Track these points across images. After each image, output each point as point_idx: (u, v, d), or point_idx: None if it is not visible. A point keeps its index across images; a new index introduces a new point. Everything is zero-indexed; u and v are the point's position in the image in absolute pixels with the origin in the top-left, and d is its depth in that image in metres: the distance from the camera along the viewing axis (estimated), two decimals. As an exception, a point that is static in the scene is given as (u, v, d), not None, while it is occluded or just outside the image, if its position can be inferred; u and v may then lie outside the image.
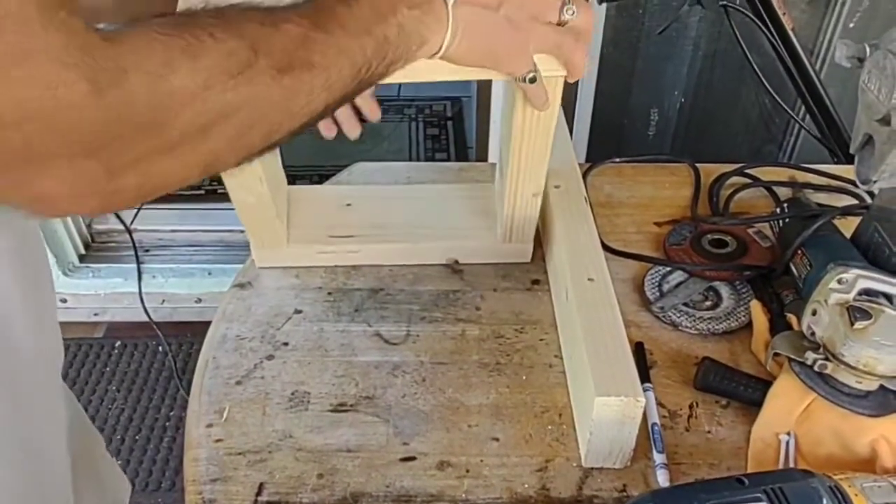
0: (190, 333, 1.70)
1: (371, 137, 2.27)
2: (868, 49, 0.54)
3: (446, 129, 2.33)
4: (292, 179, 0.77)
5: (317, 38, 0.40)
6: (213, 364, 0.66)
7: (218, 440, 0.59)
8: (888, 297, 0.57)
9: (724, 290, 0.71)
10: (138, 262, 1.72)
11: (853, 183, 0.79)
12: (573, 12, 0.51)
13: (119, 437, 1.51)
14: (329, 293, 0.73)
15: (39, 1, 0.29)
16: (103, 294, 1.71)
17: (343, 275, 0.75)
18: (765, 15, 0.91)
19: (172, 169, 0.36)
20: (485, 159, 1.53)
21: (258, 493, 0.55)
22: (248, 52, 0.36)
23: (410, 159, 2.20)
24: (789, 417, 0.57)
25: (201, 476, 0.56)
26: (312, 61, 0.40)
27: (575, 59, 0.53)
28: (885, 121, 0.51)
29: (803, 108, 1.06)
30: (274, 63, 0.37)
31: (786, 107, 1.00)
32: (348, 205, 0.76)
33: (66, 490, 0.54)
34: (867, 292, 0.57)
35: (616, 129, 1.55)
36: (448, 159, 2.19)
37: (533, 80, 0.53)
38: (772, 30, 0.91)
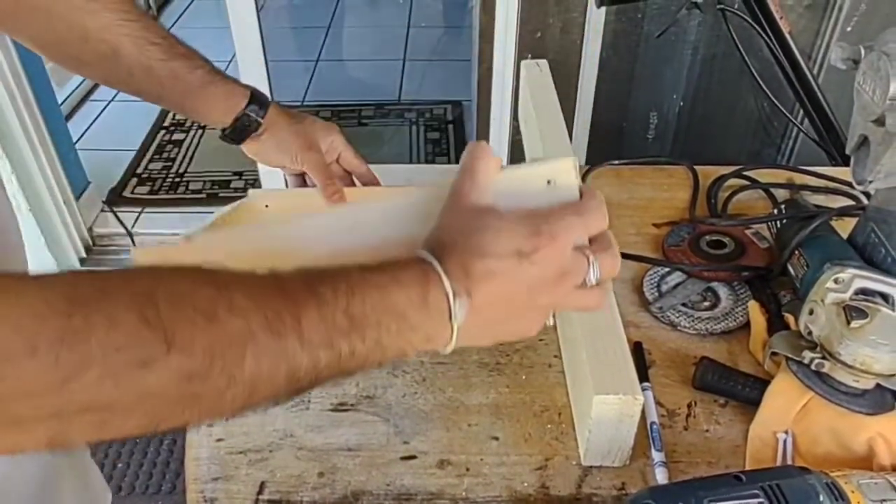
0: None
1: (372, 141, 2.28)
2: (863, 51, 0.54)
3: (447, 132, 2.34)
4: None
5: (259, 341, 0.33)
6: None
7: (219, 440, 0.59)
8: (884, 296, 0.57)
9: (723, 291, 0.71)
10: (139, 266, 1.72)
11: (850, 184, 0.79)
12: (597, 275, 0.42)
13: (118, 440, 1.51)
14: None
15: None
16: (104, 297, 1.71)
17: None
18: (762, 18, 0.92)
19: (14, 440, 0.31)
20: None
21: (259, 492, 0.55)
22: (155, 346, 0.30)
23: (411, 163, 2.21)
24: (787, 416, 0.58)
25: (203, 475, 0.56)
26: (239, 371, 0.33)
27: (594, 307, 0.45)
28: (880, 122, 0.51)
29: (801, 111, 1.06)
30: (188, 366, 0.31)
31: (783, 110, 1.01)
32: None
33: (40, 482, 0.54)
34: (863, 292, 0.58)
35: (616, 132, 1.56)
36: (449, 163, 2.20)
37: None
38: (769, 33, 0.92)
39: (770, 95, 1.00)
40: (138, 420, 0.32)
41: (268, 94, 1.48)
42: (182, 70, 0.64)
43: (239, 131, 0.69)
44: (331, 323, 0.35)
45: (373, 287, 0.37)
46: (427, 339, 0.39)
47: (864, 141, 0.55)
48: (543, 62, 0.93)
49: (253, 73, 1.53)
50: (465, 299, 0.39)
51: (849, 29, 1.39)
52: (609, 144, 1.54)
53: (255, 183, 1.91)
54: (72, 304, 0.29)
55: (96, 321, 0.30)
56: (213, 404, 0.33)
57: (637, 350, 0.66)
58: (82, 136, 2.29)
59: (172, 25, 2.92)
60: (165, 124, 2.35)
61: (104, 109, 2.42)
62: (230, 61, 1.69)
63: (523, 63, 0.95)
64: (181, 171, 2.14)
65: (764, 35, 0.91)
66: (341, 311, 0.36)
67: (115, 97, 2.46)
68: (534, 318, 0.43)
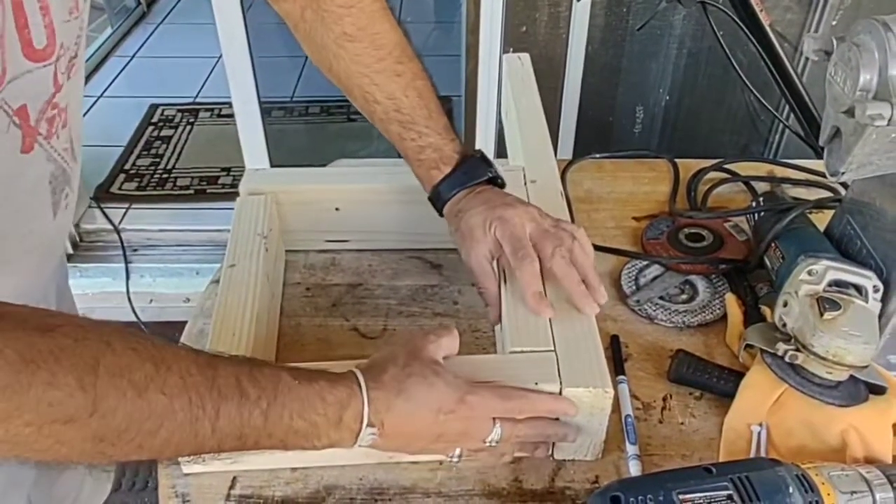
0: (178, 333, 1.68)
1: (361, 137, 2.27)
2: (835, 42, 0.54)
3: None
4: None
5: (175, 422, 0.38)
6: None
7: (192, 435, 0.59)
8: (858, 288, 0.57)
9: (700, 284, 0.71)
10: (126, 262, 1.72)
11: (829, 177, 0.79)
12: (497, 439, 0.50)
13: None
14: (307, 288, 0.73)
15: None
16: (91, 294, 1.71)
17: (321, 270, 0.75)
18: (742, 11, 0.92)
19: None
20: (472, 157, 1.53)
21: (231, 487, 0.55)
22: (82, 409, 0.35)
23: (400, 157, 2.20)
24: (761, 408, 0.58)
25: (174, 470, 0.56)
26: (151, 441, 0.38)
27: (488, 464, 0.54)
28: (851, 113, 0.51)
29: (787, 105, 1.06)
30: (105, 432, 0.36)
31: (766, 103, 1.01)
32: (337, 209, 0.74)
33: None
34: (837, 283, 0.58)
35: (602, 127, 1.56)
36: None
37: (459, 458, 0.52)
38: (750, 26, 0.92)
39: (753, 90, 1.00)
40: (52, 457, 0.37)
41: (253, 91, 1.49)
42: (395, 138, 0.65)
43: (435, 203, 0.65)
44: (246, 419, 0.41)
45: (296, 398, 0.43)
46: (331, 445, 0.46)
47: (836, 132, 0.55)
48: (525, 55, 0.93)
49: (239, 70, 1.52)
50: (376, 430, 0.46)
51: (834, 22, 1.39)
52: (596, 138, 1.53)
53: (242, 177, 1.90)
54: (23, 361, 0.34)
55: (40, 378, 0.34)
56: (122, 457, 0.39)
57: (614, 343, 0.66)
58: (70, 132, 2.27)
59: (161, 22, 2.90)
60: (154, 120, 2.34)
61: (92, 106, 2.40)
62: (218, 59, 1.68)
63: (505, 56, 0.94)
64: (169, 167, 2.13)
65: (744, 28, 0.91)
66: (259, 410, 0.41)
67: (102, 93, 2.45)
68: (436, 451, 0.51)
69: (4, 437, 0.34)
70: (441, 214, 0.65)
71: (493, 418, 0.50)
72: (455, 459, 0.52)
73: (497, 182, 0.65)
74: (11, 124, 0.43)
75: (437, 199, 0.64)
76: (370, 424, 0.46)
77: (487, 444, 0.50)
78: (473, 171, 0.64)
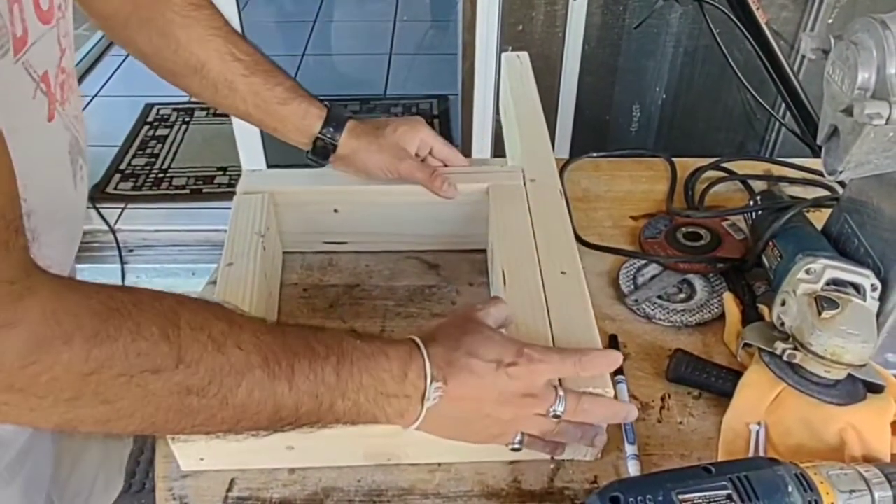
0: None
1: (357, 136, 2.27)
2: (832, 41, 0.54)
3: (433, 126, 2.32)
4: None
5: (254, 377, 0.39)
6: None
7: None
8: (856, 286, 0.57)
9: (698, 283, 0.71)
10: (122, 263, 1.71)
11: (826, 175, 0.79)
12: (562, 410, 0.48)
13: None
14: (304, 289, 0.72)
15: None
16: (87, 295, 1.70)
17: (318, 271, 0.74)
18: (739, 9, 0.92)
19: (31, 417, 0.35)
20: (469, 156, 1.53)
21: (229, 489, 0.55)
22: (168, 359, 0.36)
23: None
24: (759, 407, 0.58)
25: (172, 472, 0.56)
26: (233, 397, 0.38)
27: (547, 437, 0.51)
28: (849, 111, 0.51)
29: (783, 103, 1.06)
30: (191, 383, 0.36)
31: (763, 102, 1.01)
32: (335, 211, 0.73)
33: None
34: (835, 282, 0.58)
35: (599, 125, 1.56)
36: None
37: (517, 450, 0.51)
38: (747, 25, 0.92)
39: (749, 88, 1.00)
40: (139, 423, 0.37)
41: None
42: (261, 87, 0.64)
43: (319, 153, 0.68)
44: (319, 376, 0.41)
45: (361, 353, 0.43)
46: (399, 412, 0.45)
47: (834, 131, 0.55)
48: (524, 54, 0.93)
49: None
50: (441, 385, 0.45)
51: (830, 20, 1.39)
52: (593, 137, 1.54)
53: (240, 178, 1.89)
54: (109, 310, 0.34)
55: (126, 328, 0.34)
56: (205, 420, 0.38)
57: (612, 343, 0.66)
58: (65, 132, 2.26)
59: (156, 20, 2.89)
60: (149, 120, 2.33)
61: (87, 106, 2.39)
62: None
63: (504, 55, 0.94)
64: (165, 166, 2.12)
65: (741, 26, 0.91)
66: (331, 367, 0.41)
67: (97, 93, 2.44)
68: (497, 428, 0.49)
69: (101, 392, 0.34)
70: (326, 160, 0.68)
71: (556, 389, 0.49)
72: (517, 445, 0.50)
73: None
74: (38, 91, 0.43)
75: (325, 148, 0.68)
76: (434, 379, 0.44)
77: (551, 414, 0.49)
78: (341, 113, 0.69)
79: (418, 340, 0.46)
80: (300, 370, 0.40)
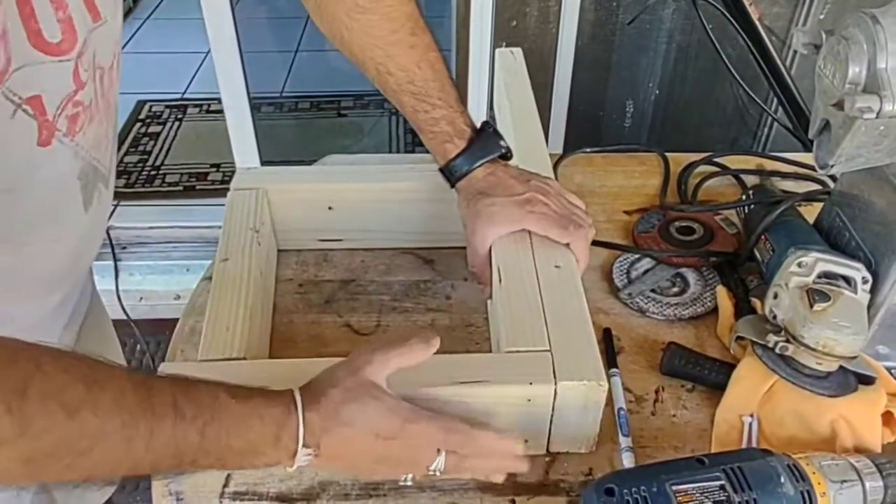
0: (168, 331, 1.68)
1: (352, 132, 2.26)
2: (824, 35, 0.54)
3: (426, 123, 2.32)
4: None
5: (108, 443, 0.38)
6: (181, 357, 0.65)
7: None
8: (847, 279, 0.58)
9: (691, 277, 0.72)
10: (115, 260, 1.70)
11: (818, 170, 0.80)
12: (441, 469, 0.48)
13: None
14: (300, 285, 0.73)
15: None
16: (80, 292, 1.69)
17: (314, 267, 0.75)
18: (731, 5, 0.92)
19: None
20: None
21: (225, 485, 0.55)
22: (10, 431, 0.35)
23: (391, 153, 2.19)
24: (752, 399, 0.58)
25: (168, 468, 0.56)
26: (82, 462, 0.38)
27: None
28: (840, 106, 0.51)
29: (775, 98, 1.07)
30: (31, 452, 0.36)
31: (756, 98, 1.01)
32: (330, 208, 0.73)
33: None
34: (826, 275, 0.58)
35: (593, 121, 1.56)
36: (427, 153, 2.19)
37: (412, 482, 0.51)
38: (739, 20, 0.92)
39: (742, 83, 1.00)
40: None
41: (242, 87, 1.48)
42: (408, 110, 0.65)
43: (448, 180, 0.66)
44: (182, 438, 0.40)
45: (233, 416, 0.43)
46: (270, 465, 0.46)
47: (825, 125, 0.55)
48: (517, 50, 0.93)
49: (228, 65, 1.51)
50: (312, 451, 0.45)
51: (821, 16, 1.39)
52: (586, 133, 1.54)
53: (233, 175, 1.89)
54: None
55: None
56: (55, 479, 0.39)
57: (606, 337, 0.66)
58: (56, 129, 2.25)
59: (148, 17, 2.87)
60: (141, 117, 2.32)
61: (78, 102, 2.38)
62: (206, 53, 1.67)
63: (498, 51, 0.94)
64: (157, 163, 2.11)
65: (734, 22, 0.92)
66: (196, 429, 0.41)
67: (89, 90, 2.42)
68: (383, 474, 0.52)
69: None
70: (452, 187, 0.66)
71: (437, 451, 0.49)
72: (409, 483, 0.51)
73: (507, 156, 0.66)
74: (20, 111, 0.43)
75: (452, 174, 0.65)
76: (305, 445, 0.45)
77: (431, 472, 0.49)
78: (487, 147, 0.65)
79: (298, 401, 0.45)
80: (160, 432, 0.40)
